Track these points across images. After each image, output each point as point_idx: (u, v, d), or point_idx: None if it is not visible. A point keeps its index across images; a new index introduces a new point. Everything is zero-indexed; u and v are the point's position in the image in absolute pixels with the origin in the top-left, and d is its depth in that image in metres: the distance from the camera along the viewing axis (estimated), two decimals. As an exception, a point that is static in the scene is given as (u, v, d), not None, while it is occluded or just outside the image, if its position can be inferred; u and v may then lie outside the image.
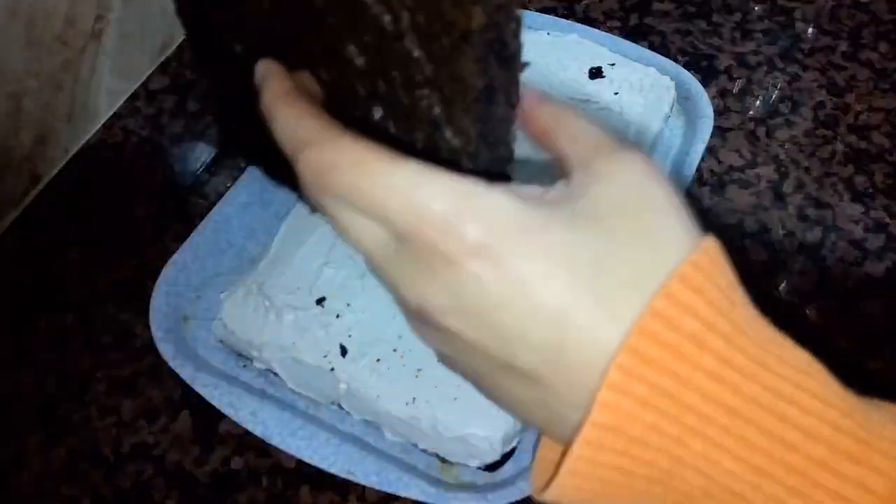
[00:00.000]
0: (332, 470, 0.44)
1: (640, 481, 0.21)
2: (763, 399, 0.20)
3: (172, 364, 0.48)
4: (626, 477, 0.21)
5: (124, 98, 0.67)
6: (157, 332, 0.50)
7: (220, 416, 0.49)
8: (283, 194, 0.57)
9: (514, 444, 0.46)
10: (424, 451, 0.46)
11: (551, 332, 0.20)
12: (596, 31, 0.64)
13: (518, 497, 0.43)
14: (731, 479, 0.20)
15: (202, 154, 0.64)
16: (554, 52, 0.61)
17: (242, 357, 0.51)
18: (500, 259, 0.20)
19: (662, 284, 0.20)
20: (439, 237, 0.20)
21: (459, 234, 0.20)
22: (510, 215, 0.20)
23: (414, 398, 0.45)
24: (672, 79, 0.60)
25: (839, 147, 0.61)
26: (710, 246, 0.22)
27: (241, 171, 0.58)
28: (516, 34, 0.24)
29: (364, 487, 0.46)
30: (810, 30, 0.69)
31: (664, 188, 0.23)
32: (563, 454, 0.21)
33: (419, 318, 0.22)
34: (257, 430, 0.46)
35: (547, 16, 0.65)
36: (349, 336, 0.48)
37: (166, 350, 0.49)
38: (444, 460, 0.46)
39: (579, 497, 0.21)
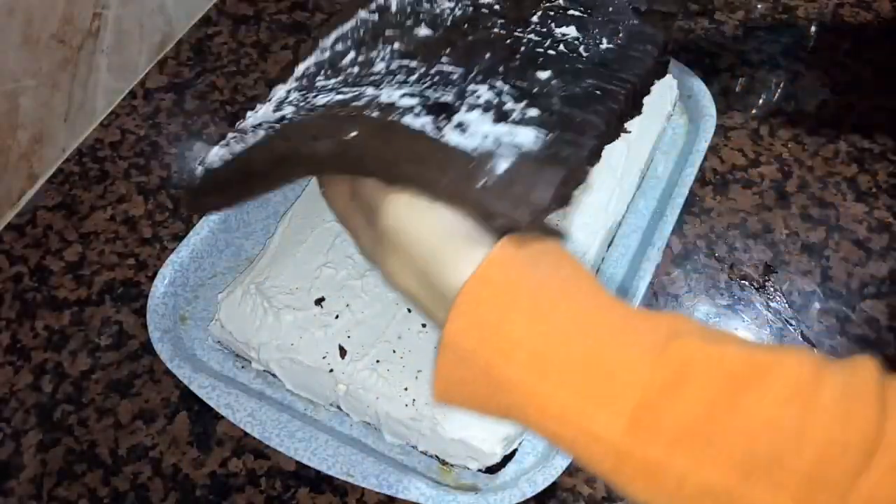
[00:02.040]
0: (331, 472, 0.44)
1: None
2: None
3: (170, 365, 0.48)
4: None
5: (122, 97, 0.67)
6: (154, 333, 0.49)
7: (218, 417, 0.49)
8: (281, 194, 0.57)
9: (514, 446, 0.45)
10: (424, 453, 0.46)
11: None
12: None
13: (519, 500, 0.42)
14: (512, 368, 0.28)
15: (199, 153, 0.63)
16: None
17: (240, 358, 0.50)
18: None
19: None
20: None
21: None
22: None
23: (414, 400, 0.45)
24: (674, 77, 0.59)
25: (842, 146, 0.61)
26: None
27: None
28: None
29: (363, 490, 0.46)
30: (813, 28, 0.69)
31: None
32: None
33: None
34: (256, 432, 0.45)
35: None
36: (348, 337, 0.48)
37: (164, 351, 0.48)
38: (443, 462, 0.46)
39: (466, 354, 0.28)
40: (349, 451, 0.45)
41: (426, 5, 0.42)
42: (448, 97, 0.32)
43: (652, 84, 0.40)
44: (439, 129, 0.31)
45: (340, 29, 0.42)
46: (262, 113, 0.37)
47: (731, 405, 0.26)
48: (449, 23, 0.40)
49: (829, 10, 0.70)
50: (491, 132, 0.31)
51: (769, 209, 0.57)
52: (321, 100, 0.34)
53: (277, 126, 0.34)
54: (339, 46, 0.40)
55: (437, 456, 0.46)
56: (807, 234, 0.56)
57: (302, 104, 0.35)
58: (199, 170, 0.39)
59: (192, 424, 0.49)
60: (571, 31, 0.39)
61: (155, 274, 0.52)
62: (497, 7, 0.41)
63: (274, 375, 0.49)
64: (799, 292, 0.53)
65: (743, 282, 0.54)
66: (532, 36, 0.38)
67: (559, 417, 0.27)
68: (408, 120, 0.31)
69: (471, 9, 0.41)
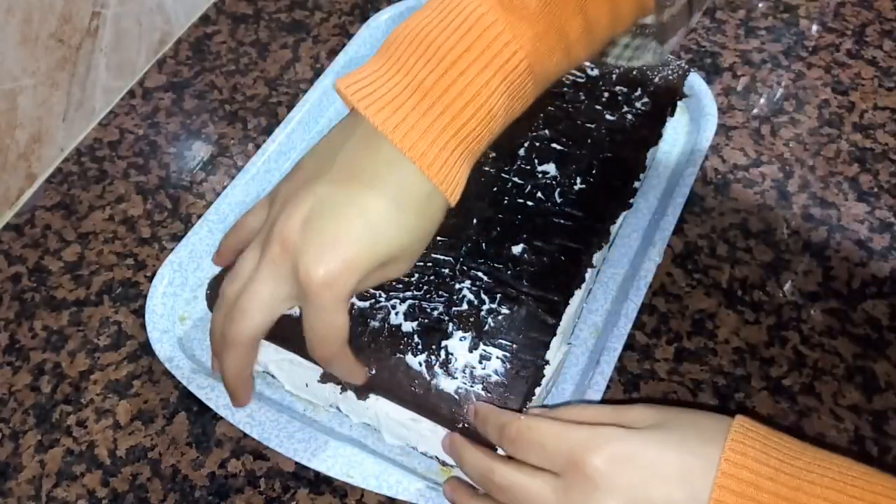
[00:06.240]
0: (331, 473, 0.44)
1: None
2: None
3: (169, 366, 0.48)
4: None
5: (120, 96, 0.67)
6: (153, 333, 0.49)
7: (217, 418, 0.48)
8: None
9: (515, 447, 0.45)
10: (424, 454, 0.46)
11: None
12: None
13: (519, 501, 0.42)
14: None
15: (198, 152, 0.63)
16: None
17: (240, 358, 0.50)
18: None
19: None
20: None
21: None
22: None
23: (413, 400, 0.45)
24: (675, 76, 0.59)
25: (844, 146, 0.60)
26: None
27: (238, 169, 0.58)
28: None
29: (363, 491, 0.46)
30: (815, 27, 0.69)
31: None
32: None
33: None
34: (255, 433, 0.45)
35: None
36: (348, 337, 0.47)
37: (162, 351, 0.48)
38: (444, 463, 0.45)
39: None
40: (349, 451, 0.44)
41: None
42: (439, 307, 0.42)
43: (619, 214, 0.48)
44: (430, 366, 0.40)
45: None
46: None
47: None
48: None
49: (830, 8, 0.70)
50: (468, 362, 0.40)
51: (770, 209, 0.57)
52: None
53: None
54: None
55: (437, 457, 0.45)
56: (808, 233, 0.56)
57: None
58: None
59: (191, 425, 0.49)
60: (551, 168, 0.47)
61: (154, 274, 0.52)
62: None
63: (273, 376, 0.48)
64: (800, 292, 0.53)
65: (744, 282, 0.54)
66: (516, 179, 0.47)
67: None
68: (409, 359, 0.41)
69: None
